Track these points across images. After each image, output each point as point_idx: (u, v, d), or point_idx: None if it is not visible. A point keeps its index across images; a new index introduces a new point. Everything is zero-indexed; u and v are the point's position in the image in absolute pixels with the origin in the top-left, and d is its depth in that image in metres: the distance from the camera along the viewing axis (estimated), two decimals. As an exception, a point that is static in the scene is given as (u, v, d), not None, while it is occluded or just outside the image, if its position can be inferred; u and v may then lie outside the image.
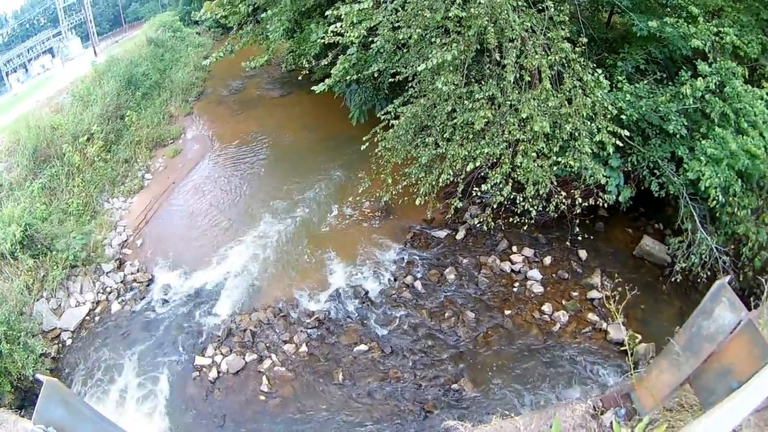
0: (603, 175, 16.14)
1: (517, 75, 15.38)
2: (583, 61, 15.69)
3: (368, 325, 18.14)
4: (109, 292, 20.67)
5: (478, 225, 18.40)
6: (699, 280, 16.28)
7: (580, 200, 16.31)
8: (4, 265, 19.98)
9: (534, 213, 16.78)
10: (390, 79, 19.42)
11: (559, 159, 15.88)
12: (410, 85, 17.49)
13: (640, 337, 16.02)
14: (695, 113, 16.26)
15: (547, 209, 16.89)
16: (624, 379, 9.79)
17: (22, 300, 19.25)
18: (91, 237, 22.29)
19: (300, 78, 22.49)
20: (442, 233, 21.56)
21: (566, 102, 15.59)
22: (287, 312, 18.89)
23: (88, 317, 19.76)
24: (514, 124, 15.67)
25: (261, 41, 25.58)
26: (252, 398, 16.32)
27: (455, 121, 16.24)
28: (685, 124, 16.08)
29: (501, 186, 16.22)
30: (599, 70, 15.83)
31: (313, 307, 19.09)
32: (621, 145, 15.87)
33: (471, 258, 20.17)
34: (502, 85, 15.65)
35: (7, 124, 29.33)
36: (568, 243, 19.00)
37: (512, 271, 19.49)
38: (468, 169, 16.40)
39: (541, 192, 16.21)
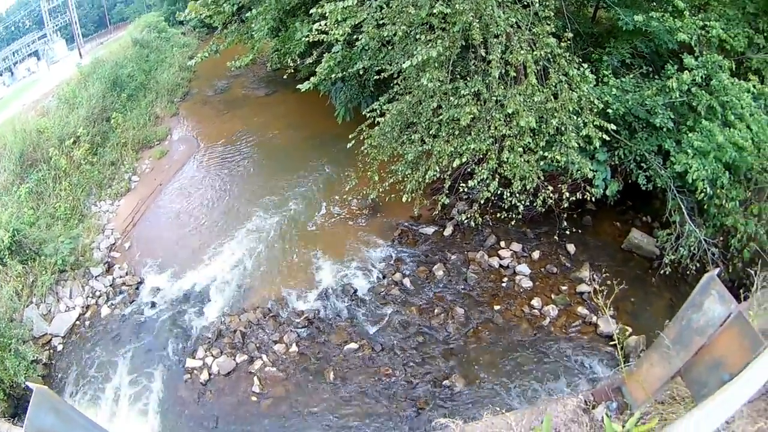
0: (590, 169, 16.15)
1: (503, 71, 15.38)
2: (569, 56, 15.68)
3: (358, 324, 18.12)
4: (99, 296, 20.57)
5: (465, 221, 18.36)
6: (688, 272, 16.28)
7: (567, 194, 16.35)
8: (-6, 272, 19.88)
9: (521, 208, 16.81)
10: (375, 77, 19.36)
11: (546, 154, 15.89)
12: (395, 82, 17.44)
13: (630, 329, 16.06)
14: (682, 106, 16.26)
15: (535, 204, 16.86)
16: (615, 373, 9.80)
17: (11, 306, 19.18)
18: (79, 241, 22.21)
19: (285, 77, 22.54)
20: (429, 230, 21.54)
21: (552, 97, 15.60)
22: (277, 312, 18.85)
23: (78, 322, 19.68)
24: (500, 120, 15.66)
25: (246, 40, 25.56)
26: (244, 399, 16.28)
27: (441, 117, 16.22)
28: (672, 117, 16.10)
29: (488, 182, 16.21)
30: (585, 65, 15.82)
31: (302, 306, 19.06)
32: (608, 139, 15.88)
33: (459, 254, 20.15)
34: (487, 81, 15.64)
35: (-6, 128, 29.12)
36: (556, 237, 19.09)
37: (501, 266, 19.46)
38: (454, 165, 16.34)
39: (528, 187, 16.23)
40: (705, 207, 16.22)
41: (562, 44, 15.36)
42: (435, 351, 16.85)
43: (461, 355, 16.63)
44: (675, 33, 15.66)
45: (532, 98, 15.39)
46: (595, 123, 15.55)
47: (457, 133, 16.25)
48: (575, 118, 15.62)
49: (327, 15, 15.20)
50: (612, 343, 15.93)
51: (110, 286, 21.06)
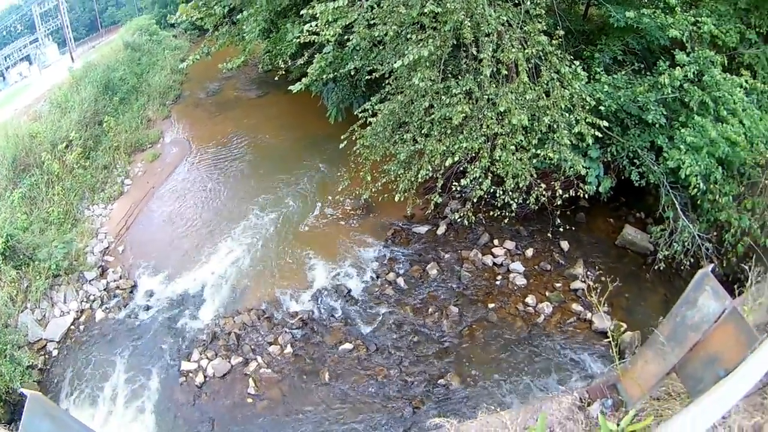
0: (583, 166, 16.20)
1: (494, 69, 15.39)
2: (560, 53, 15.69)
3: (352, 324, 18.12)
4: (93, 300, 20.53)
5: (458, 219, 18.41)
6: (682, 268, 16.38)
7: (560, 192, 16.35)
8: (-12, 277, 19.84)
9: (514, 206, 16.83)
10: (367, 77, 19.32)
11: (539, 151, 15.90)
12: (387, 82, 17.42)
13: (625, 325, 16.09)
14: (674, 102, 16.34)
15: (528, 202, 16.92)
16: (610, 370, 9.80)
17: (6, 312, 19.13)
18: (72, 245, 22.11)
19: (277, 78, 22.43)
20: (422, 229, 21.54)
21: (544, 95, 15.60)
22: (271, 313, 18.84)
23: (73, 326, 19.64)
24: (492, 118, 15.69)
25: (237, 42, 25.59)
26: (240, 401, 16.27)
27: (433, 116, 16.22)
28: (664, 113, 16.15)
29: (480, 180, 16.23)
30: (576, 62, 15.88)
31: (296, 307, 19.05)
32: (600, 135, 15.91)
33: (453, 253, 20.17)
34: (479, 80, 15.65)
35: (-13, 133, 29.02)
36: (549, 234, 19.08)
37: (494, 264, 19.49)
38: (447, 164, 16.35)
39: (520, 185, 16.23)
40: (698, 202, 16.28)
41: (554, 42, 15.37)
42: (429, 350, 16.87)
43: (456, 354, 16.64)
44: (666, 29, 15.71)
45: (524, 96, 15.39)
46: (587, 120, 15.57)
47: (449, 132, 16.24)
48: (567, 115, 15.63)
49: (318, 16, 15.18)
50: (607, 340, 15.95)
51: (104, 290, 21.00)
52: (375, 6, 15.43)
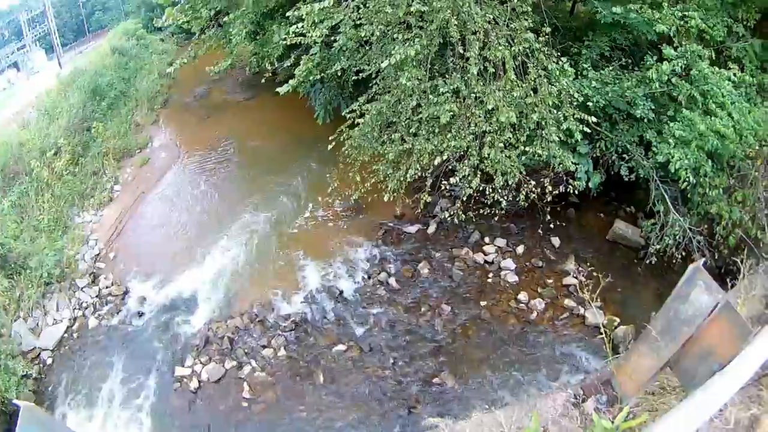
0: (572, 162, 16.23)
1: (481, 67, 15.32)
2: (548, 50, 15.70)
3: (345, 325, 18.09)
4: (86, 308, 20.38)
5: (448, 218, 18.33)
6: (674, 261, 16.38)
7: (550, 188, 16.36)
8: (-20, 288, 19.74)
9: (504, 203, 16.75)
10: (354, 77, 19.32)
11: (527, 148, 15.84)
12: (374, 82, 17.40)
13: (618, 320, 16.01)
14: (662, 97, 16.36)
15: (518, 199, 16.91)
16: (604, 366, 9.83)
17: None
18: (63, 253, 21.96)
19: (264, 80, 22.50)
20: (413, 228, 21.52)
21: (532, 92, 15.59)
22: (263, 316, 18.75)
23: (66, 334, 19.46)
24: (480, 116, 15.67)
25: (224, 45, 25.53)
26: (235, 405, 16.21)
27: (421, 115, 16.20)
28: (653, 108, 16.21)
29: (470, 178, 16.20)
30: (564, 59, 15.90)
31: (288, 309, 18.97)
32: (589, 131, 15.89)
33: (444, 251, 20.19)
34: (466, 78, 15.61)
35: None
36: (540, 231, 19.13)
37: (486, 262, 19.53)
38: (435, 163, 16.32)
39: (510, 182, 16.23)
40: (689, 196, 16.35)
41: (541, 39, 15.41)
42: (423, 349, 16.88)
43: (450, 352, 16.67)
44: (654, 24, 15.69)
45: (511, 94, 15.36)
46: (575, 116, 15.56)
47: (437, 131, 16.24)
48: (555, 111, 15.64)
49: (304, 17, 15.23)
50: (600, 335, 15.98)
51: (96, 297, 20.87)
52: (361, 6, 15.43)
